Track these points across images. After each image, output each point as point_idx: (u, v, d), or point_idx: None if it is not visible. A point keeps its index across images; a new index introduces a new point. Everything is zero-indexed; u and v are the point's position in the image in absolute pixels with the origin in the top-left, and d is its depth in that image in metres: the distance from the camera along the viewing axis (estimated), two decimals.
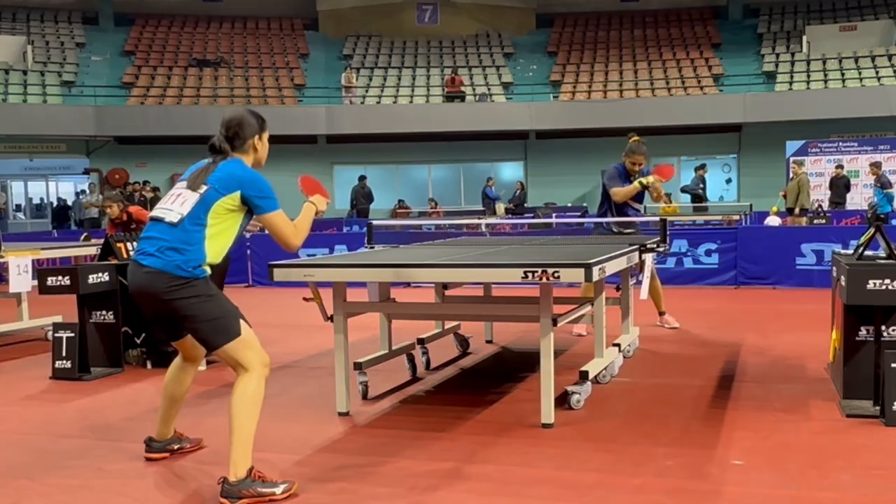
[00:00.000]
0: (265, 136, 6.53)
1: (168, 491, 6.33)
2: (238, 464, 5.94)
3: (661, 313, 13.15)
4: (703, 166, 34.21)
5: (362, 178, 38.38)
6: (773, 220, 26.38)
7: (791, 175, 28.63)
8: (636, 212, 12.55)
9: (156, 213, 6.23)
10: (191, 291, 6.02)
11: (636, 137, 12.64)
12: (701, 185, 32.82)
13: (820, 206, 29.37)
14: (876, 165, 29.18)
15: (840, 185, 30.94)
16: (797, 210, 26.57)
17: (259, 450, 6.00)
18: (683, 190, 34.46)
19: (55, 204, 45.60)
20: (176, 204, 6.13)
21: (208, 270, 6.15)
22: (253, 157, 6.45)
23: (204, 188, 6.10)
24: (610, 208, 12.42)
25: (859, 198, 34.73)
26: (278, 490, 5.98)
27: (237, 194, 6.11)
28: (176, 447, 6.98)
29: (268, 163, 6.55)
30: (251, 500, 5.90)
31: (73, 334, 10.49)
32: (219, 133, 6.37)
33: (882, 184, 28.56)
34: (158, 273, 6.00)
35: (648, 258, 10.01)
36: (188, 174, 6.30)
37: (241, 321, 6.20)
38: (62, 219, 42.39)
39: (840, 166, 32.06)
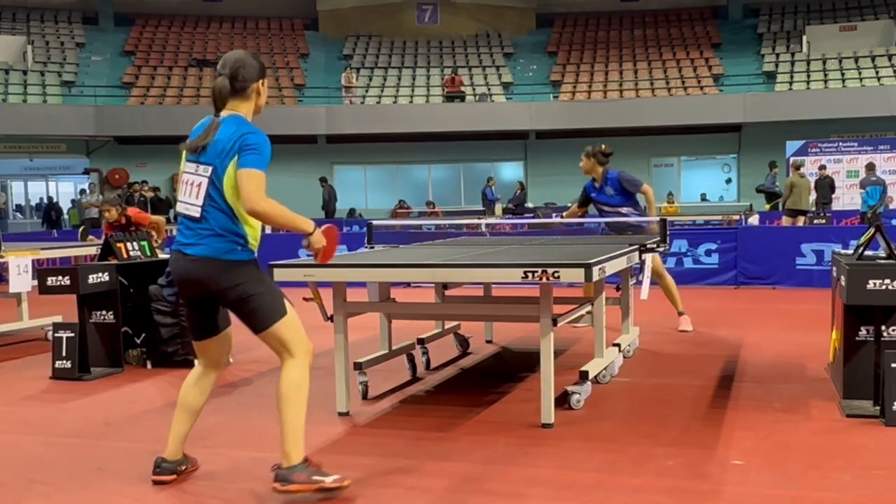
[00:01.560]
0: (266, 82, 6.35)
1: (167, 491, 6.32)
2: (291, 452, 5.95)
3: (680, 313, 13.15)
4: (774, 163, 34.21)
5: (323, 180, 38.59)
6: (753, 220, 26.43)
7: (789, 175, 28.68)
8: (635, 213, 12.56)
9: (180, 208, 6.15)
10: (241, 273, 6.01)
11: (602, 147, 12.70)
12: (777, 183, 32.73)
13: (820, 206, 29.35)
14: (868, 167, 29.20)
15: (825, 186, 30.89)
16: (782, 210, 26.63)
17: (259, 449, 6.01)
18: (759, 190, 34.36)
19: (44, 203, 45.46)
20: (192, 196, 6.04)
21: (254, 249, 6.11)
22: (254, 102, 6.28)
23: (209, 169, 5.98)
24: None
25: (859, 198, 34.71)
26: (328, 480, 5.95)
27: (236, 157, 5.93)
28: (182, 468, 6.64)
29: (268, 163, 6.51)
30: (302, 486, 5.91)
31: (73, 334, 10.47)
32: (219, 74, 6.16)
33: (861, 184, 28.62)
34: (206, 259, 5.98)
35: (648, 258, 10.02)
36: (192, 138, 6.16)
37: (286, 303, 6.17)
38: (52, 220, 42.10)
39: (823, 167, 32.03)
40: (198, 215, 5.99)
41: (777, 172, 33.46)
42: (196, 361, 6.62)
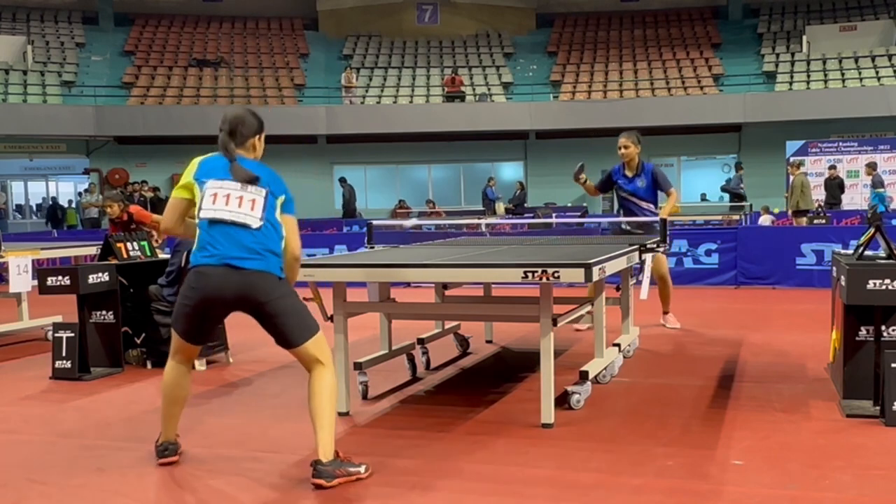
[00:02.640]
0: (263, 136, 6.73)
1: (168, 491, 6.34)
2: (327, 448, 6.28)
3: (665, 312, 13.19)
4: (740, 164, 34.21)
5: (343, 181, 38.78)
6: (765, 220, 26.44)
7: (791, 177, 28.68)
8: (647, 212, 12.57)
9: (225, 216, 6.32)
10: (284, 289, 6.44)
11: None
12: (741, 185, 32.77)
13: (820, 206, 29.36)
14: (870, 166, 29.20)
15: (834, 186, 30.94)
16: (789, 211, 26.63)
17: (259, 449, 6.01)
18: (724, 189, 34.39)
19: (47, 203, 45.39)
20: (245, 207, 6.34)
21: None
22: (252, 155, 6.61)
23: (263, 190, 6.40)
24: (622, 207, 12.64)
25: (859, 198, 34.75)
26: (362, 469, 6.36)
27: (283, 197, 6.54)
28: (179, 449, 6.96)
29: (268, 162, 6.57)
30: (344, 479, 6.22)
31: (73, 334, 10.46)
32: (221, 131, 6.49)
33: (874, 183, 28.63)
34: (263, 274, 6.32)
35: (648, 258, 10.02)
36: (219, 172, 6.42)
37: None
38: (55, 219, 42.26)
39: (833, 167, 32.09)
40: (257, 226, 6.33)
41: (743, 173, 33.47)
42: (171, 359, 6.68)
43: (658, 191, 12.59)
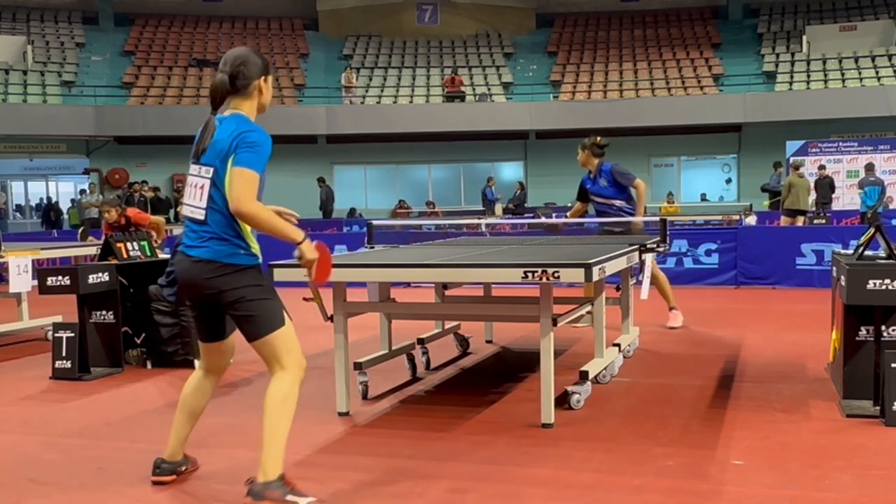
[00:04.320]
0: (270, 79, 6.14)
1: (167, 491, 6.32)
2: (268, 467, 5.73)
3: (671, 308, 13.28)
4: (779, 163, 34.23)
5: (321, 181, 38.70)
6: (750, 221, 26.45)
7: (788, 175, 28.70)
8: (618, 209, 12.80)
9: (185, 211, 6.03)
10: (242, 278, 5.84)
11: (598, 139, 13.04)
12: (781, 183, 32.80)
13: (820, 206, 29.32)
14: (867, 167, 29.19)
15: (825, 186, 30.87)
16: (781, 210, 26.65)
17: (259, 449, 5.97)
18: (764, 189, 34.32)
19: (44, 204, 45.63)
20: (196, 198, 5.89)
21: (257, 253, 5.94)
22: (257, 100, 6.08)
23: (210, 170, 5.82)
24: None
25: (859, 199, 34.72)
26: (302, 501, 5.72)
27: (237, 154, 5.76)
28: (182, 469, 6.55)
29: (268, 162, 6.44)
30: None
31: (73, 334, 10.46)
32: (220, 73, 5.97)
33: (859, 184, 28.63)
34: (207, 262, 5.84)
35: (648, 258, 10.04)
36: (195, 142, 6.01)
37: (285, 315, 6.01)
38: (51, 220, 41.92)
39: (822, 167, 31.99)
40: (201, 218, 5.86)
41: (781, 172, 33.43)
42: (197, 363, 6.61)
43: (625, 187, 12.79)
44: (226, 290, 5.85)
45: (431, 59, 47.33)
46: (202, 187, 5.86)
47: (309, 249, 5.86)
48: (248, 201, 5.63)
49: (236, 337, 10.10)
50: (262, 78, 6.05)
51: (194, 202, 5.92)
